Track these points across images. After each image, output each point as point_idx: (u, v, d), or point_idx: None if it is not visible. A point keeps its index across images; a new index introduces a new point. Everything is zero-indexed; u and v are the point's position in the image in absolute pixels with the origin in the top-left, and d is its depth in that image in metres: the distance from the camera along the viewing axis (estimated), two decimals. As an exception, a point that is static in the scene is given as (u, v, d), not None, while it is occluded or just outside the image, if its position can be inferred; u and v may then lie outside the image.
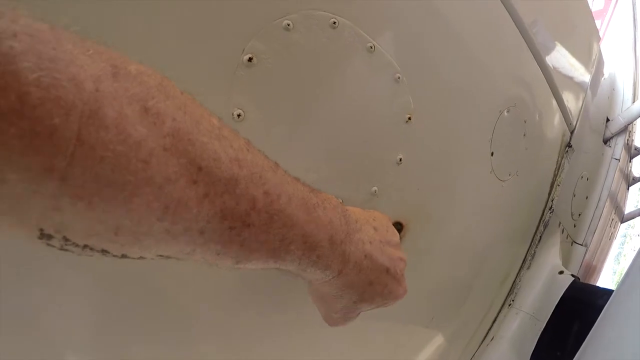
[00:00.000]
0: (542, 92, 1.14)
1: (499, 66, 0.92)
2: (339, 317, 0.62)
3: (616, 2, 3.19)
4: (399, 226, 0.77)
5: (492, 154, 0.93)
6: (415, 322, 1.03)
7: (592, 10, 3.11)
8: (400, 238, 0.75)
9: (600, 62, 1.85)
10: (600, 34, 3.00)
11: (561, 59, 1.26)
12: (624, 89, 2.35)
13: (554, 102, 1.23)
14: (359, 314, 0.63)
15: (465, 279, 1.12)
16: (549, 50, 1.15)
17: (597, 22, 3.11)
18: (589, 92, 1.64)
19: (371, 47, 0.64)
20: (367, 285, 0.56)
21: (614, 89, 2.31)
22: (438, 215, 0.87)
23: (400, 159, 0.72)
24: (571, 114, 1.35)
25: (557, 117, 1.29)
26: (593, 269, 2.52)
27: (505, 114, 0.95)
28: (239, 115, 0.58)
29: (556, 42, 1.22)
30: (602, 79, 2.07)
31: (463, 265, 1.08)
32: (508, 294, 1.33)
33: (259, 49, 0.57)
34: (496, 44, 0.91)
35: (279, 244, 0.43)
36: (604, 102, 2.06)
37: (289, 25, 0.58)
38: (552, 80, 1.17)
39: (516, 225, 1.25)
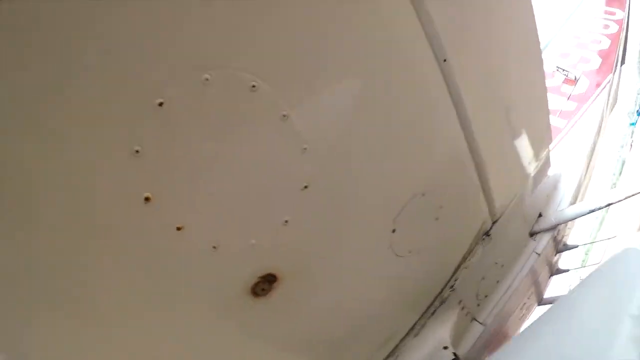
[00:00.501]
0: (469, 183, 1.17)
1: (424, 153, 0.95)
2: None
3: (587, 107, 3.32)
4: (271, 277, 0.78)
5: (393, 231, 0.96)
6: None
7: (561, 110, 3.24)
8: (272, 289, 0.76)
9: (546, 164, 1.92)
10: (564, 133, 3.12)
11: (502, 155, 1.30)
12: (565, 192, 2.45)
13: (481, 195, 1.26)
14: None
15: (340, 338, 1.14)
16: (490, 145, 1.18)
17: (563, 122, 3.22)
18: (528, 187, 1.70)
19: (284, 116, 0.65)
20: None
21: (555, 189, 2.41)
22: (319, 276, 0.89)
23: (286, 221, 0.73)
24: (496, 207, 1.39)
25: (481, 208, 1.33)
26: (499, 342, 2.61)
27: (420, 197, 0.97)
28: (137, 151, 0.58)
29: (500, 139, 1.26)
30: (545, 178, 2.16)
31: (339, 324, 1.10)
32: (387, 357, 1.36)
33: (172, 96, 0.58)
34: (430, 132, 0.94)
35: None
36: (542, 199, 2.14)
37: (207, 79, 0.59)
38: (485, 174, 1.21)
39: (409, 297, 1.28)
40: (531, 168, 1.57)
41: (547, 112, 1.49)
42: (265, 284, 0.78)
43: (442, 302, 1.43)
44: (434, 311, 1.43)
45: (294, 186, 0.71)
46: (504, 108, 1.20)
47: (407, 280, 1.16)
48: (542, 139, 1.58)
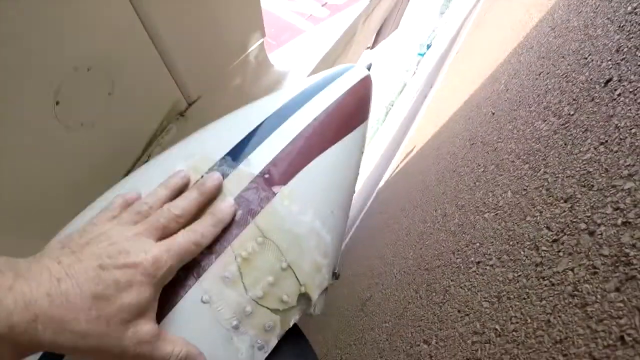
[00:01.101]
0: (148, 63, 1.24)
1: (83, 25, 0.95)
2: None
3: (339, 18, 3.59)
4: None
5: (57, 103, 1.01)
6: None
7: (311, 14, 3.48)
8: None
9: (262, 59, 2.14)
10: (306, 36, 3.38)
11: (192, 39, 1.39)
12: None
13: (169, 76, 1.36)
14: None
15: (20, 212, 1.18)
16: (172, 28, 1.25)
17: (309, 25, 3.47)
18: (232, 74, 1.87)
19: None
20: (92, 301, 0.47)
21: (278, 83, 2.69)
22: None
23: None
24: (190, 90, 1.52)
25: (169, 89, 1.43)
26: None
27: (85, 71, 1.03)
28: None
29: (189, 26, 1.36)
30: (269, 71, 2.41)
31: (25, 193, 1.13)
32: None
33: None
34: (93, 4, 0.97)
35: None
36: (262, 90, 2.40)
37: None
38: (170, 57, 1.29)
39: (93, 169, 1.35)
40: (235, 58, 1.71)
41: (259, 5, 1.62)
42: None
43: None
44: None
45: None
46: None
47: (89, 153, 1.22)
48: (251, 31, 1.72)
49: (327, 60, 3.41)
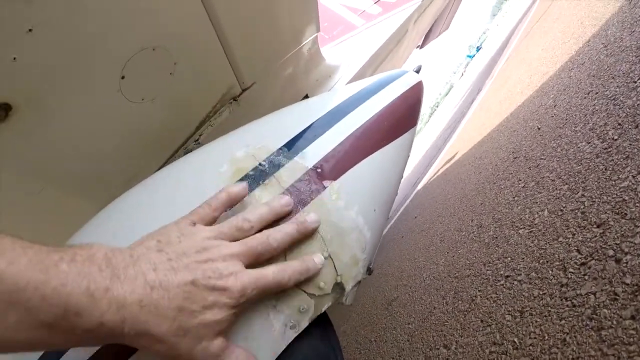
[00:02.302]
0: (209, 48, 1.31)
1: (152, 9, 1.04)
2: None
3: (391, 16, 3.59)
4: (6, 106, 0.89)
5: (123, 77, 1.10)
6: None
7: (364, 11, 3.49)
8: (8, 117, 0.87)
9: (315, 52, 2.20)
10: (358, 31, 3.40)
11: (250, 29, 1.45)
12: (339, 82, 2.76)
13: (226, 62, 1.44)
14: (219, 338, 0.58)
15: (86, 172, 1.28)
16: (235, 18, 1.34)
17: (362, 22, 3.48)
18: (288, 66, 1.94)
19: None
20: (177, 313, 0.52)
21: (329, 78, 2.74)
22: (53, 111, 1.01)
23: (15, 58, 0.83)
24: (245, 76, 1.59)
25: (225, 73, 1.49)
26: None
27: (150, 51, 1.11)
28: None
29: (250, 16, 1.43)
30: (320, 64, 2.46)
31: (83, 160, 1.23)
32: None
33: None
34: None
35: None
36: (311, 82, 2.45)
37: None
38: (228, 43, 1.36)
39: (151, 142, 1.45)
40: (289, 50, 1.78)
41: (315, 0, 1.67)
42: (1, 111, 0.88)
43: (186, 152, 1.63)
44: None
45: (18, 30, 0.79)
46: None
47: (146, 126, 1.32)
48: (306, 24, 1.81)
49: (378, 58, 3.42)
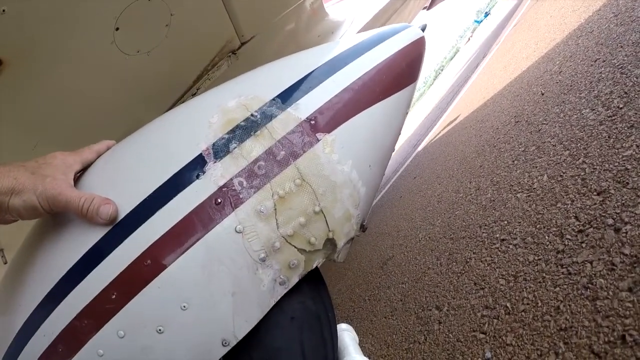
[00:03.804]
0: (209, 0, 1.28)
1: None
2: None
3: None
4: None
5: (117, 29, 1.06)
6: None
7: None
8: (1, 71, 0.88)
9: (319, 7, 2.14)
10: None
11: None
12: (343, 37, 2.72)
13: (225, 13, 1.39)
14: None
15: (75, 129, 1.26)
16: None
17: None
18: (287, 19, 1.88)
19: None
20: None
21: (332, 33, 2.69)
22: (44, 62, 0.98)
23: (4, 10, 0.80)
24: (243, 29, 1.55)
25: (223, 26, 1.46)
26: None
27: (147, 0, 1.07)
28: None
29: None
30: (323, 20, 2.41)
31: (78, 112, 1.21)
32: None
33: None
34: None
35: None
36: (314, 38, 2.40)
37: None
38: None
39: (143, 95, 1.42)
40: (291, 3, 1.73)
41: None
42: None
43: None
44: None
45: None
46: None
47: (141, 80, 1.28)
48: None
49: (382, 16, 3.35)
